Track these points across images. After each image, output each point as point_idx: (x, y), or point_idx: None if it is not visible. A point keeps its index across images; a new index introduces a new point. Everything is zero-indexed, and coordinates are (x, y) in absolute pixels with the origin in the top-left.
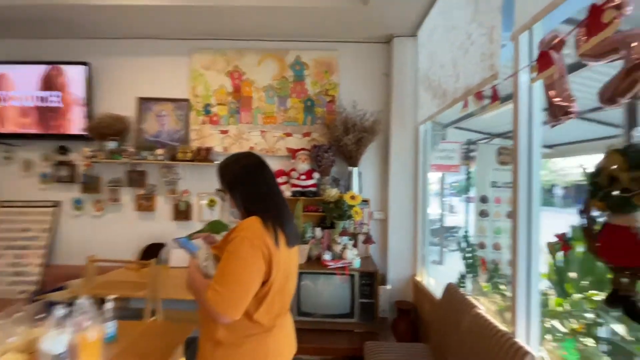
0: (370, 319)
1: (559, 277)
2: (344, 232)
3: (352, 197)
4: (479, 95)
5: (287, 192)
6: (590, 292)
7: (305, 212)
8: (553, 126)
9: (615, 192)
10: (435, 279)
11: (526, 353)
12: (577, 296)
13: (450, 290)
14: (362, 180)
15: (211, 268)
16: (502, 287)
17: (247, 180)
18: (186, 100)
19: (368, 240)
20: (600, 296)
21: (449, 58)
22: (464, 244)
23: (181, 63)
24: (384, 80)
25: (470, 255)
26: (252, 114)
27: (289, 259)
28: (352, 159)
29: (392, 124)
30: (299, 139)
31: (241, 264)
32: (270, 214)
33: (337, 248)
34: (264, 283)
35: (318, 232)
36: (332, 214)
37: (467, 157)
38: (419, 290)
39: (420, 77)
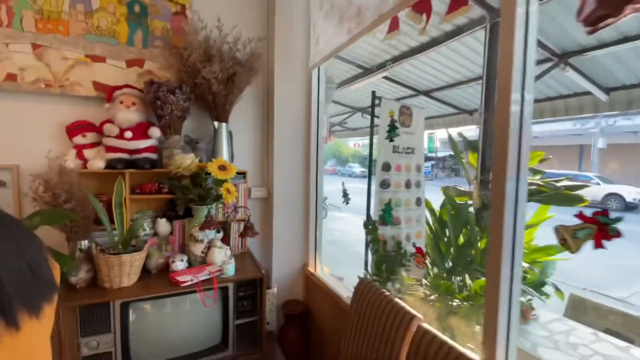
0: (253, 344)
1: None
2: (208, 223)
3: (222, 168)
4: (425, 5)
5: (98, 161)
6: None
7: (136, 195)
8: (593, 32)
9: None
10: (329, 265)
11: None
12: None
13: (366, 290)
14: (233, 142)
15: None
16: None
17: None
18: None
19: (248, 231)
20: None
21: None
22: (370, 227)
23: None
24: None
25: (374, 238)
26: (11, 11)
27: None
28: (219, 110)
29: (277, 62)
30: (120, 69)
31: None
32: None
33: (198, 249)
34: None
35: (163, 225)
36: (187, 196)
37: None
38: (313, 285)
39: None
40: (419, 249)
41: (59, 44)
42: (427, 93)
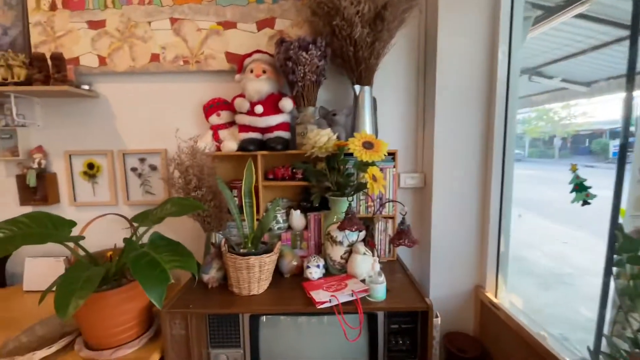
0: None
1: None
2: (348, 222)
3: (368, 145)
4: None
5: (231, 142)
6: None
7: (268, 182)
8: None
9: None
10: (516, 290)
11: None
12: None
13: None
14: (377, 112)
15: None
16: None
17: None
18: None
19: (404, 237)
20: None
21: None
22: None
23: None
24: None
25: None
26: None
27: None
28: (362, 68)
29: None
30: (250, 34)
31: None
32: None
33: (337, 253)
34: None
35: (297, 218)
36: (322, 184)
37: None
38: (493, 317)
39: None
40: None
41: (193, 14)
42: None
